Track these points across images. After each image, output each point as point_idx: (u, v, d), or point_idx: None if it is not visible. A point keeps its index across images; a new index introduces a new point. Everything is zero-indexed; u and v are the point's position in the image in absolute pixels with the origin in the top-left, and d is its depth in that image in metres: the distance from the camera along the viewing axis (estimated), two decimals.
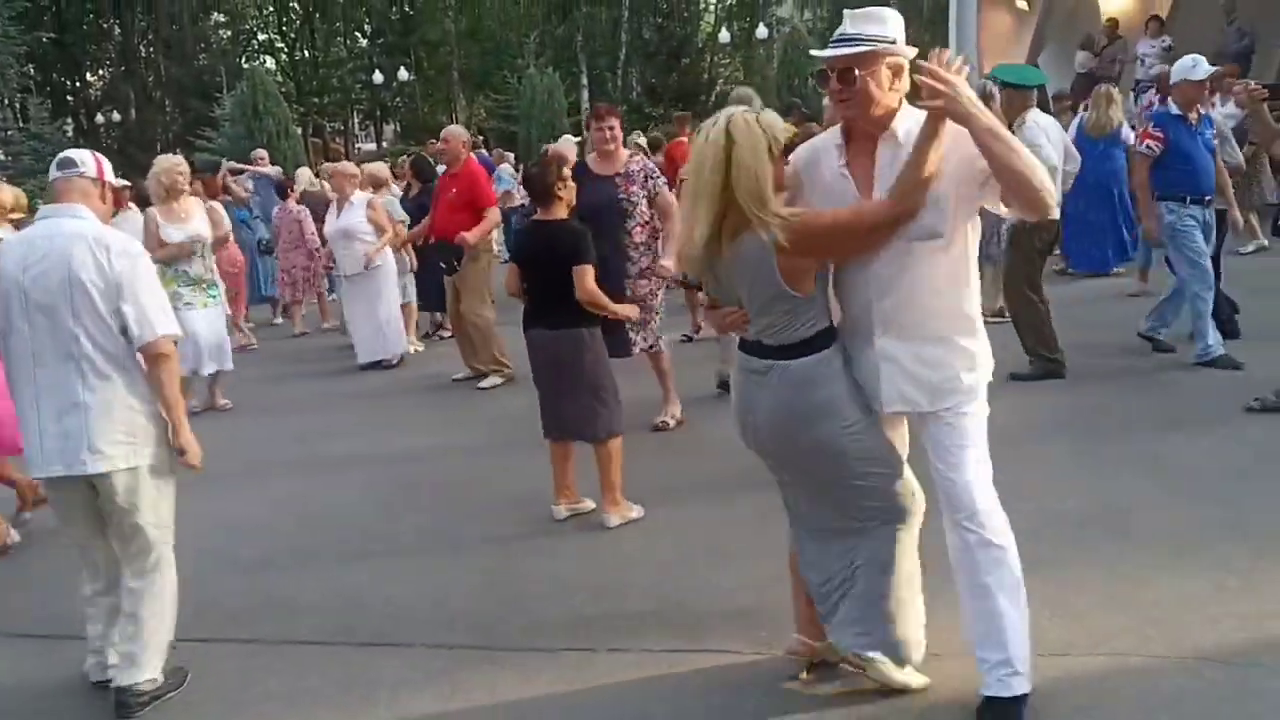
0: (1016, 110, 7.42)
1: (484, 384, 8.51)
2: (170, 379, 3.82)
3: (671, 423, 6.78)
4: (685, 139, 12.59)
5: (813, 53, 3.18)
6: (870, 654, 3.35)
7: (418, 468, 6.55)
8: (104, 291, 3.70)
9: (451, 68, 40.91)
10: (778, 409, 3.24)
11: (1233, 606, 3.81)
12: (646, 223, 6.48)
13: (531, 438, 5.60)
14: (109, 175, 3.98)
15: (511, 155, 19.52)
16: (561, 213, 5.23)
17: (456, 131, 9.04)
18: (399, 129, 44.28)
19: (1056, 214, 3.13)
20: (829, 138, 3.35)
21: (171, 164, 7.91)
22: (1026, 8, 18.35)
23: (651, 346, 6.57)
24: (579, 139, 17.73)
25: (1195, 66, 7.02)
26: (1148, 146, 7.15)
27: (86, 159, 3.92)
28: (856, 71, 3.06)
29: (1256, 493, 4.86)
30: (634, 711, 3.54)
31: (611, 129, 6.46)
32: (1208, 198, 7.05)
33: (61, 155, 3.93)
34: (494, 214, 8.68)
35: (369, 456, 6.90)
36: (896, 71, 3.12)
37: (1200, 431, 5.78)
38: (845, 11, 3.23)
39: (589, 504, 5.36)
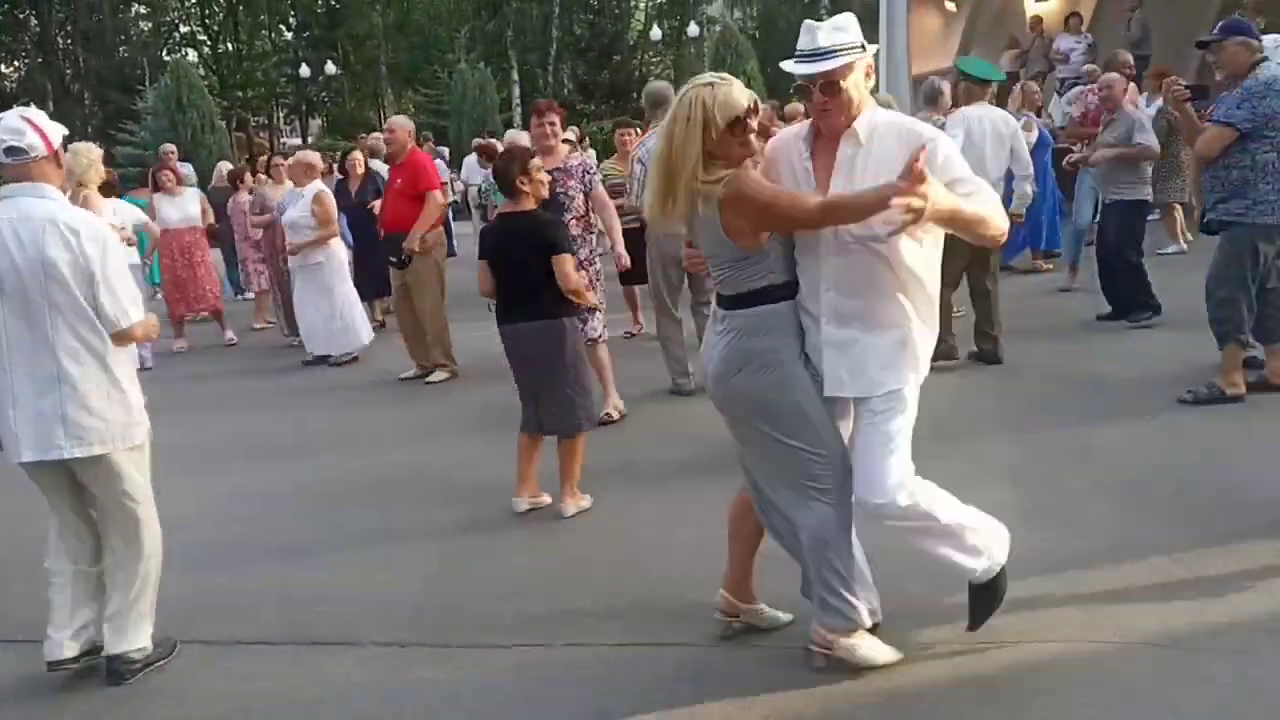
0: (971, 99, 7.55)
1: (433, 378, 8.46)
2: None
3: (615, 414, 6.80)
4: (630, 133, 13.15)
5: (792, 68, 3.27)
6: (830, 635, 3.47)
7: (363, 463, 6.46)
8: (76, 277, 3.67)
9: (379, 62, 40.45)
10: (724, 355, 3.43)
11: (1177, 592, 3.90)
12: (581, 216, 6.61)
13: (479, 432, 5.56)
14: (55, 140, 3.83)
15: (445, 150, 19.37)
16: (529, 204, 5.21)
17: (400, 122, 8.94)
18: (325, 123, 43.68)
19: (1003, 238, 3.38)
20: (800, 130, 3.51)
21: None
22: (955, 9, 18.64)
23: (597, 337, 6.61)
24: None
25: None
26: None
27: (33, 141, 3.76)
28: (841, 83, 3.22)
29: (1191, 483, 4.98)
30: (593, 707, 3.51)
31: (552, 124, 6.57)
32: None
33: (5, 144, 3.74)
34: (436, 197, 8.51)
35: (312, 453, 6.80)
36: (867, 73, 3.29)
37: (1134, 423, 5.91)
38: (807, 23, 3.35)
39: (547, 498, 5.33)
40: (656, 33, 36.01)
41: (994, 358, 7.41)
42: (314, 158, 9.96)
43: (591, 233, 6.77)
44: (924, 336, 3.41)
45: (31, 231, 3.66)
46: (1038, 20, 17.17)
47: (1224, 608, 3.75)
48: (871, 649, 3.50)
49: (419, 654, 3.99)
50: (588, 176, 6.65)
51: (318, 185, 9.50)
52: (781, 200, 3.30)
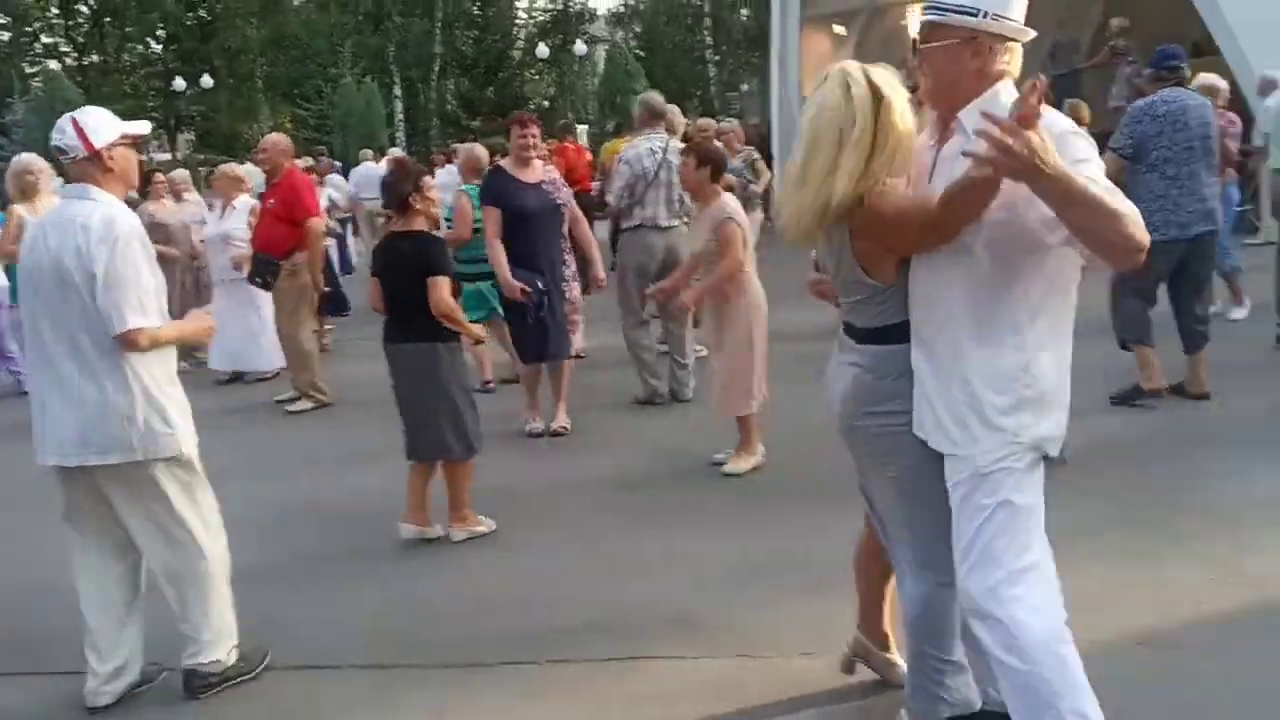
0: None
1: (293, 406, 8.05)
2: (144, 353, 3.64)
3: (567, 428, 6.78)
4: (570, 146, 13.21)
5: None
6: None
7: (297, 486, 6.26)
8: (85, 280, 3.54)
9: (255, 76, 39.51)
10: (850, 390, 2.93)
11: (1149, 591, 4.05)
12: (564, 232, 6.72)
13: (393, 455, 5.42)
14: (96, 139, 3.65)
15: (340, 165, 19.02)
16: (419, 224, 5.08)
17: (275, 140, 8.45)
18: (195, 138, 42.41)
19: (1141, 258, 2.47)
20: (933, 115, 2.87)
21: (25, 164, 7.60)
22: (844, 33, 19.16)
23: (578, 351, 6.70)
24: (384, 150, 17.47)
25: None
26: None
27: (70, 142, 3.63)
28: (932, 50, 2.65)
29: (1140, 477, 5.21)
30: None
31: (534, 136, 6.55)
32: None
33: (54, 142, 3.68)
34: (315, 226, 7.99)
35: (244, 475, 6.56)
36: (975, 52, 2.60)
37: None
38: None
39: (437, 530, 5.16)
40: (544, 50, 36.03)
41: None
42: (241, 170, 9.64)
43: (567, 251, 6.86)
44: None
45: (60, 233, 3.58)
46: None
47: (1190, 606, 3.91)
48: None
49: (403, 675, 3.88)
50: (564, 190, 6.73)
51: (249, 200, 9.18)
52: (904, 206, 2.71)
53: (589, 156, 13.52)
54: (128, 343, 3.57)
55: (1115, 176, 5.99)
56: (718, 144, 6.66)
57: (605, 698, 3.61)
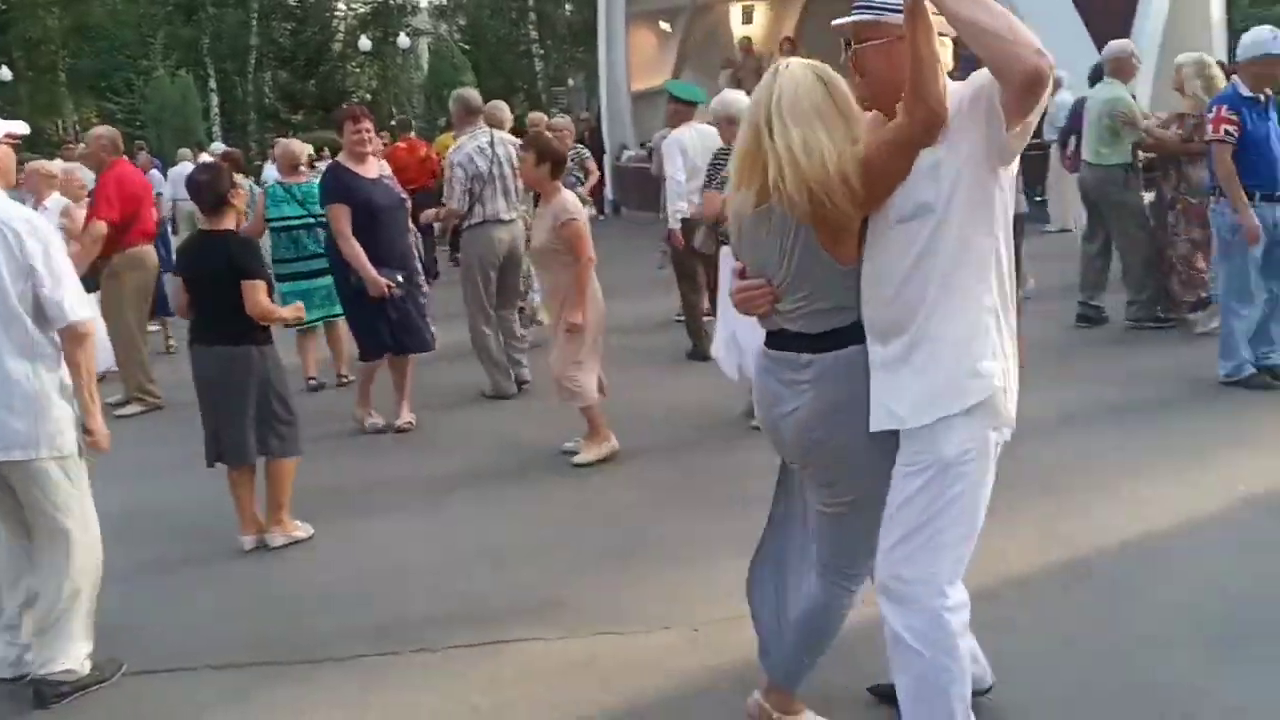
0: (680, 119, 8.08)
1: (121, 410, 7.73)
2: (88, 359, 3.73)
3: (412, 423, 6.78)
4: (401, 146, 13.07)
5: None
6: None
7: (123, 494, 6.06)
8: (14, 277, 3.49)
9: (58, 68, 37.41)
10: (812, 407, 2.78)
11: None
12: None
13: None
14: None
15: (159, 162, 18.27)
16: (230, 223, 5.00)
17: (98, 133, 8.08)
18: None
19: (1046, 70, 2.35)
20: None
21: None
22: (669, 29, 19.51)
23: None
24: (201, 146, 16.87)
25: (1276, 38, 6.17)
26: (1226, 132, 6.19)
27: None
28: (866, 52, 2.65)
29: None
30: (460, 706, 3.54)
31: (369, 130, 6.51)
32: (1277, 194, 6.25)
33: None
34: (95, 229, 7.44)
35: None
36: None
37: None
38: None
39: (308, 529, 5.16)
40: (366, 43, 35.28)
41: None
42: (54, 167, 9.10)
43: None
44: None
45: None
46: (747, 41, 18.22)
47: (1009, 564, 4.24)
48: None
49: (261, 673, 3.87)
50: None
51: (60, 199, 8.63)
52: (886, 137, 2.58)
53: (423, 152, 13.30)
54: (78, 335, 3.62)
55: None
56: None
57: (464, 682, 3.68)
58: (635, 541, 4.79)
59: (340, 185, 6.48)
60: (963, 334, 2.60)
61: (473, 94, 7.86)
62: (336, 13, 40.55)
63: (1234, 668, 3.41)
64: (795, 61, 2.78)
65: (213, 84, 34.76)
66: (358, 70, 40.13)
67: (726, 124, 6.15)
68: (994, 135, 2.47)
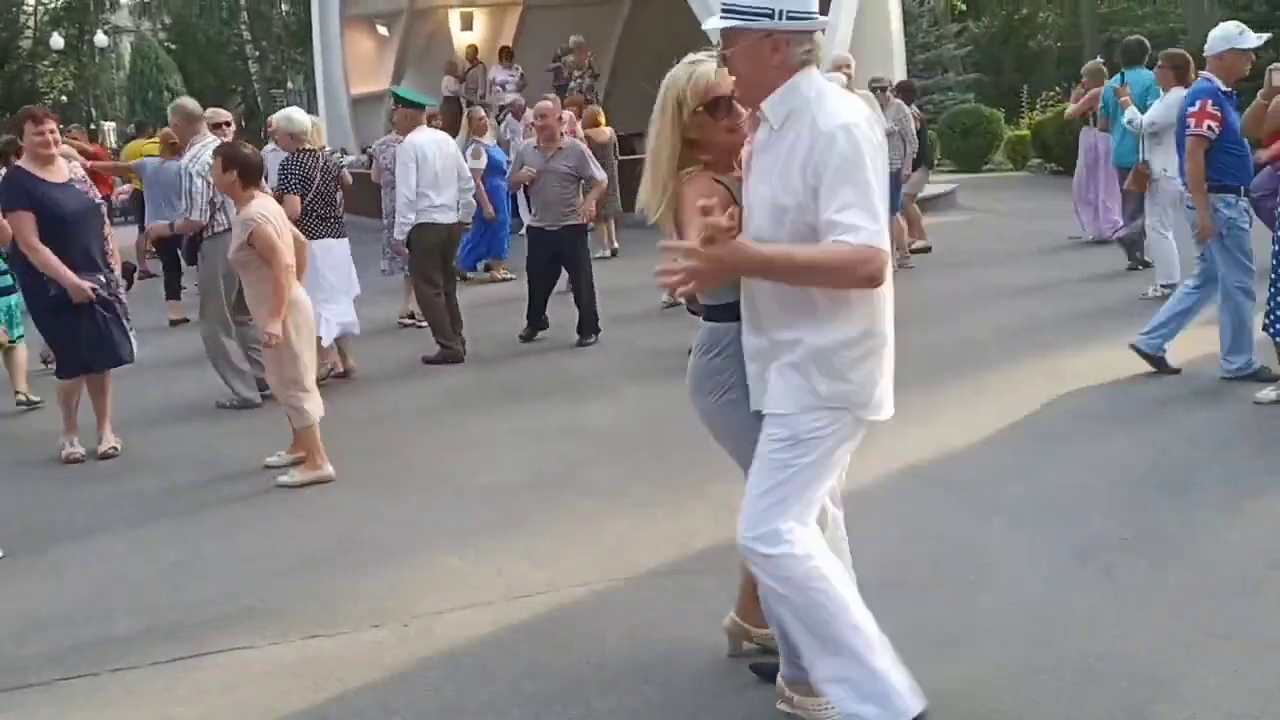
0: (410, 125, 8.20)
1: None
2: None
3: (117, 449, 6.43)
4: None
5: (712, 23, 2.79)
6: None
7: None
8: None
9: None
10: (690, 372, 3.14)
11: (671, 534, 4.68)
12: None
13: None
14: None
15: None
16: None
17: None
18: None
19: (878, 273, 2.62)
20: None
21: None
22: (386, 33, 19.32)
23: None
24: None
25: (1242, 34, 6.19)
26: (1208, 128, 6.08)
27: None
28: (728, 53, 2.78)
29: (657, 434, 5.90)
30: None
31: (53, 131, 6.17)
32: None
33: None
34: None
35: None
36: (774, 47, 2.70)
37: (606, 400, 6.82)
38: None
39: None
40: (58, 41, 32.83)
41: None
42: None
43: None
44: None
45: None
46: (474, 49, 18.31)
47: (698, 541, 4.58)
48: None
49: None
50: (94, 190, 6.45)
51: None
52: (690, 228, 2.77)
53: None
54: None
55: None
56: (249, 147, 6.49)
57: (169, 696, 3.62)
58: (343, 544, 4.83)
59: (23, 191, 6.07)
60: (822, 340, 2.76)
61: (190, 102, 7.66)
62: (25, 8, 37.57)
63: None
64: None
65: None
66: (50, 70, 37.30)
67: (289, 139, 7.53)
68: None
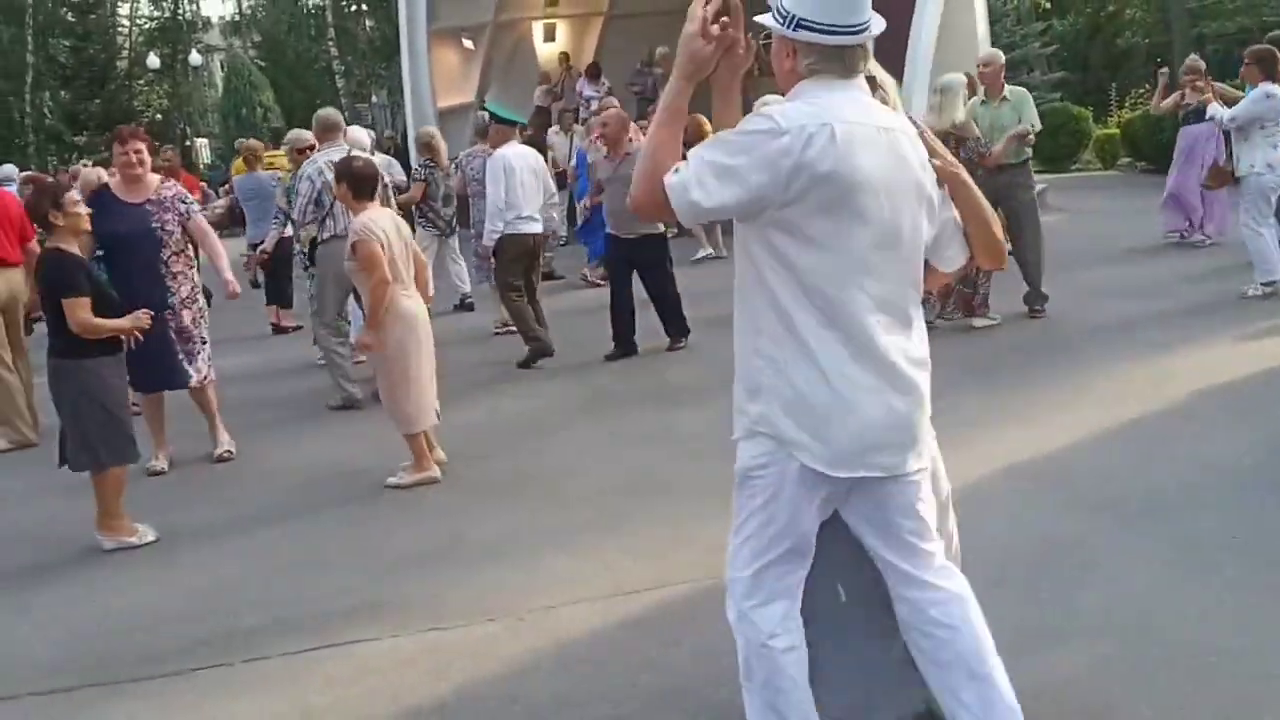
0: (502, 139, 8.48)
1: None
2: None
3: (232, 452, 6.67)
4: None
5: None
6: None
7: None
8: None
9: None
10: None
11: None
12: (182, 250, 6.43)
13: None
14: None
15: None
16: (65, 240, 5.20)
17: None
18: None
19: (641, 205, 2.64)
20: None
21: None
22: (471, 47, 19.62)
23: (205, 377, 6.52)
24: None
25: None
26: None
27: None
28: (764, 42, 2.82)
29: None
30: (298, 707, 3.67)
31: (139, 153, 6.27)
32: None
33: None
34: None
35: None
36: (787, 51, 2.68)
37: (699, 405, 6.89)
38: None
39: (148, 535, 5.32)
40: (154, 61, 33.89)
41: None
42: None
43: (192, 267, 6.58)
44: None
45: None
46: (566, 56, 18.58)
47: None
48: None
49: (90, 695, 3.89)
50: (183, 206, 6.42)
51: None
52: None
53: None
54: None
55: None
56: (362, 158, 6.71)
57: (302, 685, 3.80)
58: (456, 542, 5.00)
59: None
60: (741, 369, 2.73)
61: (330, 113, 7.94)
62: (120, 29, 38.84)
63: None
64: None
65: None
66: (146, 89, 38.50)
67: (297, 154, 8.15)
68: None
